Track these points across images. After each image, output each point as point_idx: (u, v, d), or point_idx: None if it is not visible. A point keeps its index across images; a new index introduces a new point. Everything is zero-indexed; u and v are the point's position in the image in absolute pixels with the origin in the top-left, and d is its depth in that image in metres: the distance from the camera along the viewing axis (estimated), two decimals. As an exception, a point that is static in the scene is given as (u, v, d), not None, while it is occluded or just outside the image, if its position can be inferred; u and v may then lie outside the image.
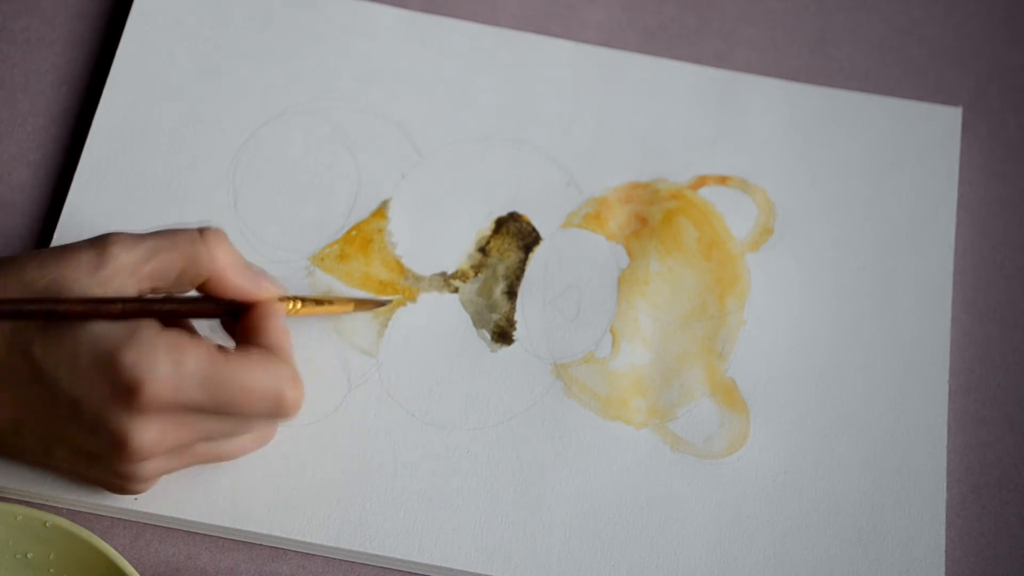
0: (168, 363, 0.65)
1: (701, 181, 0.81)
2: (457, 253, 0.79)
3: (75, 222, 0.77)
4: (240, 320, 0.69)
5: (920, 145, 0.82)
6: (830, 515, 0.74)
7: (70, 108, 0.81)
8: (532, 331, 0.77)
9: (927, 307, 0.79)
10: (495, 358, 0.76)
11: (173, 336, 0.66)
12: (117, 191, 0.78)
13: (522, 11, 0.85)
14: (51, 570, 0.69)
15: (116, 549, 0.71)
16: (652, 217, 0.80)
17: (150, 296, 0.68)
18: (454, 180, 0.81)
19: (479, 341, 0.77)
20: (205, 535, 0.73)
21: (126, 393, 0.65)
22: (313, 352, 0.76)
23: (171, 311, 0.67)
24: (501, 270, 0.79)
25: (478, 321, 0.77)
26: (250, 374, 0.67)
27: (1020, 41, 0.86)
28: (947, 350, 0.78)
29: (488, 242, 0.79)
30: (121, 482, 0.69)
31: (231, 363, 0.66)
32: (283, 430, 0.74)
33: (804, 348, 0.78)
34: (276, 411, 0.68)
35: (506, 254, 0.79)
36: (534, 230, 0.80)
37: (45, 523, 0.68)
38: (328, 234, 0.79)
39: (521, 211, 0.80)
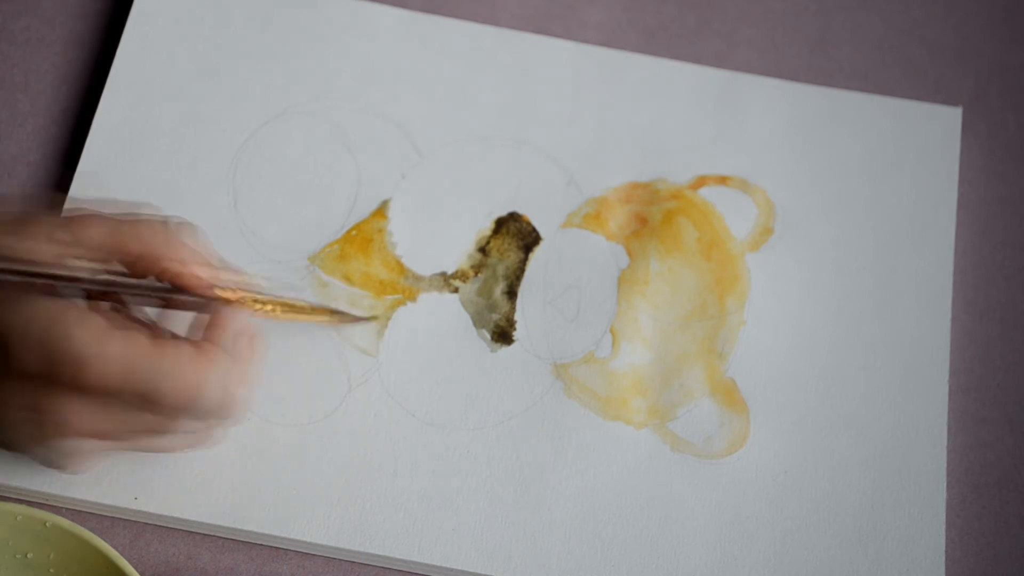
0: (94, 344, 0.65)
1: (701, 181, 0.81)
2: (457, 253, 0.79)
3: (75, 222, 0.77)
4: (200, 314, 0.70)
5: (920, 145, 0.82)
6: (830, 515, 0.74)
7: (70, 108, 0.81)
8: (532, 331, 0.77)
9: (927, 307, 0.79)
10: (495, 358, 0.76)
11: (106, 318, 0.66)
12: (117, 191, 0.78)
13: (522, 11, 0.85)
14: (51, 570, 0.69)
15: (116, 549, 0.71)
16: (652, 217, 0.80)
17: (107, 277, 0.68)
18: (454, 180, 0.81)
19: (479, 341, 0.77)
20: (205, 535, 0.73)
21: (51, 367, 0.65)
22: (313, 352, 0.76)
23: (119, 290, 0.67)
24: (501, 270, 0.79)
25: (478, 321, 0.77)
26: (175, 365, 0.66)
27: (1020, 41, 0.86)
28: (947, 350, 0.78)
29: (488, 242, 0.79)
30: (52, 456, 0.69)
31: (159, 351, 0.66)
32: (283, 430, 0.74)
33: (804, 348, 0.78)
34: (193, 408, 0.67)
35: (506, 254, 0.79)
36: (534, 230, 0.80)
37: (45, 523, 0.68)
38: (328, 234, 0.79)
39: (521, 211, 0.80)
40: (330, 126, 0.81)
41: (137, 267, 0.68)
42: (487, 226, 0.80)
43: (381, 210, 0.80)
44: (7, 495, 0.72)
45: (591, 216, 0.80)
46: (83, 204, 0.68)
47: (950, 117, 0.83)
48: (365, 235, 0.79)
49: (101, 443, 0.68)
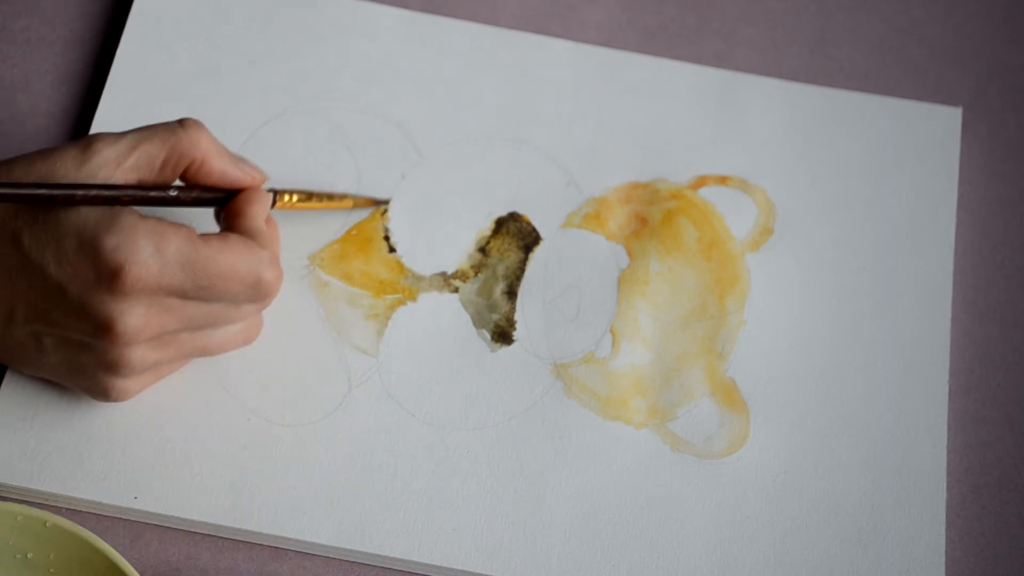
0: (149, 247, 0.67)
1: (701, 181, 0.81)
2: (457, 253, 0.79)
3: (75, 222, 0.77)
4: (225, 207, 0.72)
5: (920, 145, 0.82)
6: (830, 515, 0.74)
7: (70, 108, 0.81)
8: (532, 331, 0.77)
9: (927, 307, 0.79)
10: (495, 358, 0.76)
11: (152, 222, 0.67)
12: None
13: (522, 11, 0.85)
14: (51, 570, 0.69)
15: (116, 549, 0.71)
16: (652, 217, 0.80)
17: (131, 184, 0.69)
18: (454, 180, 0.81)
19: (479, 341, 0.77)
20: (205, 535, 0.73)
21: (109, 277, 0.66)
22: (313, 352, 0.76)
23: (156, 199, 0.69)
24: (501, 270, 0.79)
25: (478, 321, 0.77)
26: (227, 257, 0.68)
27: (1020, 41, 0.86)
28: (947, 350, 0.78)
29: (488, 242, 0.79)
30: (110, 375, 0.70)
31: (210, 247, 0.68)
32: (283, 430, 0.74)
33: (804, 348, 0.78)
34: (255, 293, 0.70)
35: (506, 254, 0.79)
36: (534, 230, 0.80)
37: (45, 523, 0.68)
38: (328, 234, 0.79)
39: (521, 211, 0.80)
40: (330, 126, 0.81)
41: (163, 172, 0.70)
42: (487, 226, 0.80)
43: (381, 210, 0.80)
44: (7, 495, 0.72)
45: (591, 216, 0.80)
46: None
47: (950, 117, 0.83)
48: (365, 235, 0.79)
49: (158, 350, 0.70)
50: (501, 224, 0.80)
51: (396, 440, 0.74)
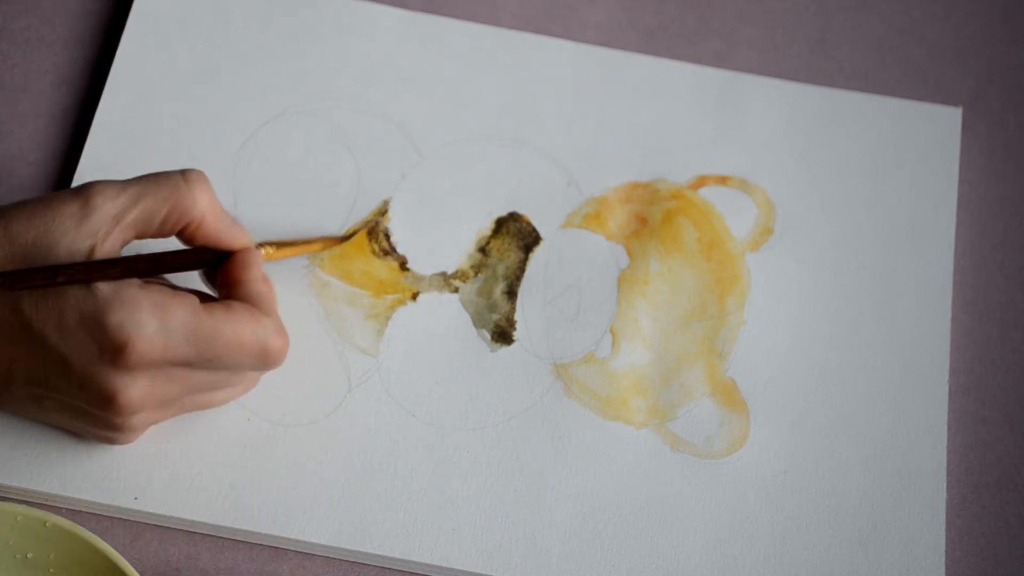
0: (153, 321, 0.66)
1: (701, 181, 0.81)
2: (457, 253, 0.79)
3: (75, 222, 0.77)
4: (220, 271, 0.71)
5: (920, 145, 0.82)
6: (830, 515, 0.74)
7: (70, 108, 0.81)
8: (532, 331, 0.77)
9: (927, 307, 0.79)
10: (495, 358, 0.76)
11: (155, 294, 0.67)
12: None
13: (522, 11, 0.85)
14: (51, 570, 0.69)
15: (116, 549, 0.71)
16: (652, 217, 0.80)
17: (133, 255, 0.68)
18: (454, 180, 0.81)
19: (479, 341, 0.77)
20: (205, 535, 0.73)
21: (113, 352, 0.66)
22: (313, 352, 0.76)
23: (155, 267, 0.69)
24: (501, 270, 0.79)
25: (478, 321, 0.77)
26: (234, 328, 0.68)
27: (1020, 41, 0.86)
28: (947, 350, 0.78)
29: (488, 242, 0.79)
30: (110, 434, 0.70)
31: (215, 317, 0.68)
32: (283, 430, 0.74)
33: (804, 348, 0.78)
34: (262, 363, 0.70)
35: (506, 254, 0.79)
36: (534, 230, 0.80)
37: (45, 523, 0.68)
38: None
39: (521, 211, 0.80)
40: (330, 126, 0.81)
41: (162, 228, 0.70)
42: (487, 226, 0.80)
43: (381, 210, 0.80)
44: (7, 495, 0.72)
45: (591, 216, 0.80)
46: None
47: (950, 117, 0.83)
48: (365, 235, 0.79)
49: (160, 411, 0.70)
50: (501, 224, 0.80)
51: (396, 440, 0.74)
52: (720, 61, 0.85)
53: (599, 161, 0.81)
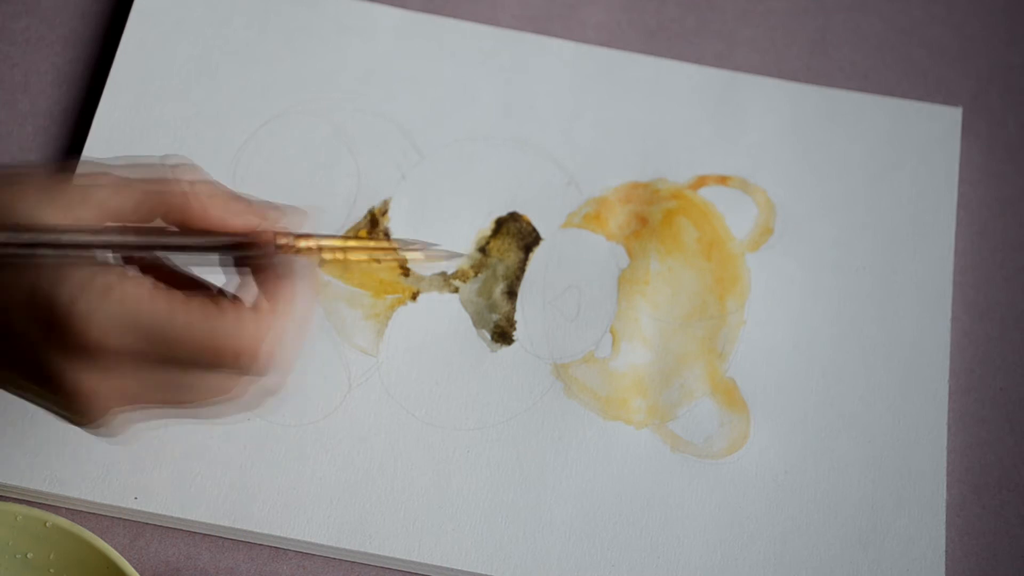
0: (104, 303, 0.60)
1: (701, 181, 0.81)
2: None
3: (75, 222, 0.77)
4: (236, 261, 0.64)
5: (920, 145, 0.82)
6: (830, 515, 0.74)
7: (70, 108, 0.81)
8: (532, 331, 0.77)
9: (927, 307, 0.79)
10: (495, 358, 0.76)
11: (111, 275, 0.61)
12: (117, 191, 0.78)
13: (522, 11, 0.85)
14: (51, 570, 0.69)
15: (116, 549, 0.71)
16: (652, 217, 0.80)
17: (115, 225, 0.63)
18: (454, 180, 0.81)
19: (479, 341, 0.77)
20: (205, 535, 0.73)
21: (59, 334, 0.61)
22: (313, 352, 0.76)
23: (162, 249, 0.62)
24: (501, 270, 0.79)
25: (478, 321, 0.77)
26: (186, 319, 0.61)
27: (1020, 41, 0.86)
28: (947, 350, 0.78)
29: (488, 242, 0.79)
30: (76, 418, 0.64)
31: (171, 305, 0.61)
32: (283, 430, 0.74)
33: (804, 348, 0.78)
34: (218, 363, 0.62)
35: (506, 254, 0.79)
36: (534, 230, 0.80)
37: (45, 523, 0.68)
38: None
39: (521, 211, 0.80)
40: (330, 126, 0.81)
41: (154, 218, 0.63)
42: (487, 226, 0.80)
43: (382, 209, 0.80)
44: (7, 495, 0.72)
45: (591, 216, 0.80)
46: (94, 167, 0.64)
47: (950, 117, 0.83)
48: (365, 234, 0.79)
49: (124, 403, 0.63)
50: (501, 224, 0.80)
51: (396, 440, 0.74)
52: (720, 61, 0.85)
53: (599, 161, 0.81)
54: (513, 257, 0.79)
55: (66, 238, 0.61)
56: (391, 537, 0.72)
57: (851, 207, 0.81)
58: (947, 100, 0.84)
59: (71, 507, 0.72)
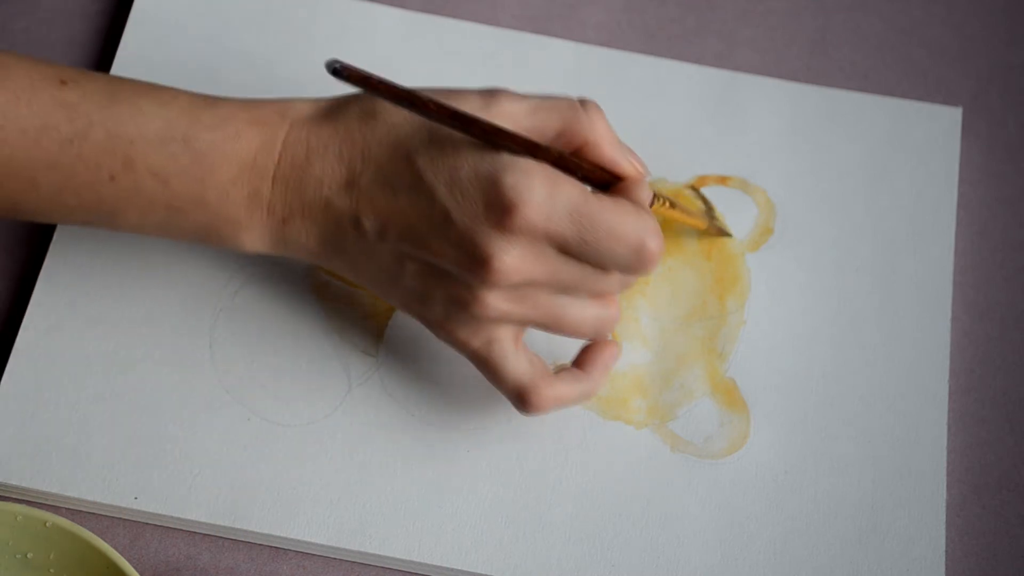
0: (544, 191, 0.66)
1: (701, 181, 0.81)
2: (457, 253, 0.79)
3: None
4: (610, 191, 0.71)
5: (920, 145, 0.82)
6: (830, 515, 0.74)
7: (70, 108, 0.81)
8: (532, 331, 0.77)
9: (927, 307, 0.79)
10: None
11: (548, 169, 0.67)
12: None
13: (522, 11, 0.85)
14: (51, 570, 0.69)
15: (116, 549, 0.71)
16: (652, 217, 0.80)
17: (544, 143, 0.69)
18: (454, 180, 0.81)
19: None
20: (205, 535, 0.73)
21: (500, 212, 0.66)
22: (313, 352, 0.76)
23: (555, 161, 0.68)
24: (501, 270, 0.79)
25: (478, 321, 0.77)
26: (618, 217, 0.68)
27: (1020, 41, 0.86)
28: (947, 350, 0.78)
29: (488, 242, 0.79)
30: (457, 313, 0.69)
31: (603, 203, 0.68)
32: (283, 430, 0.74)
33: (804, 348, 0.78)
34: (636, 259, 0.69)
35: (506, 254, 0.79)
36: (534, 230, 0.80)
37: (45, 523, 0.68)
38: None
39: (521, 211, 0.80)
40: (330, 126, 0.81)
41: (554, 143, 0.70)
42: (487, 226, 0.80)
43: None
44: (7, 495, 0.72)
45: (591, 216, 0.80)
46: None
47: (950, 117, 0.83)
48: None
49: (515, 301, 0.69)
50: (501, 224, 0.80)
51: (396, 440, 0.74)
52: (720, 61, 0.85)
53: (599, 161, 0.81)
54: (513, 257, 0.79)
55: (508, 139, 0.67)
56: (391, 537, 0.72)
57: (851, 207, 0.81)
58: (947, 100, 0.84)
59: (71, 507, 0.73)
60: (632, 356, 0.77)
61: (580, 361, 0.73)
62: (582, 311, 0.71)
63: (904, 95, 0.84)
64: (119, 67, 0.81)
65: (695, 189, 0.80)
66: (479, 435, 0.75)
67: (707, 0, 0.86)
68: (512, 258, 0.67)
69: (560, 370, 0.73)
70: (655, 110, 0.83)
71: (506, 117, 0.69)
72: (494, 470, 0.74)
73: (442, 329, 0.71)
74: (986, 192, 0.82)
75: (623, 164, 0.71)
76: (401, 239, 0.69)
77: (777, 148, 0.82)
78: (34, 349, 0.75)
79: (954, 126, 0.83)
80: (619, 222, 0.68)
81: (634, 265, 0.69)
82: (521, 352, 0.71)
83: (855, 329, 0.78)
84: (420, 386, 0.76)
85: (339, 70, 0.63)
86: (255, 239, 0.71)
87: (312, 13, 0.84)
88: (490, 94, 0.69)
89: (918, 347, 0.78)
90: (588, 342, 0.74)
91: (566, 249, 0.68)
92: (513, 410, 0.75)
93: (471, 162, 0.67)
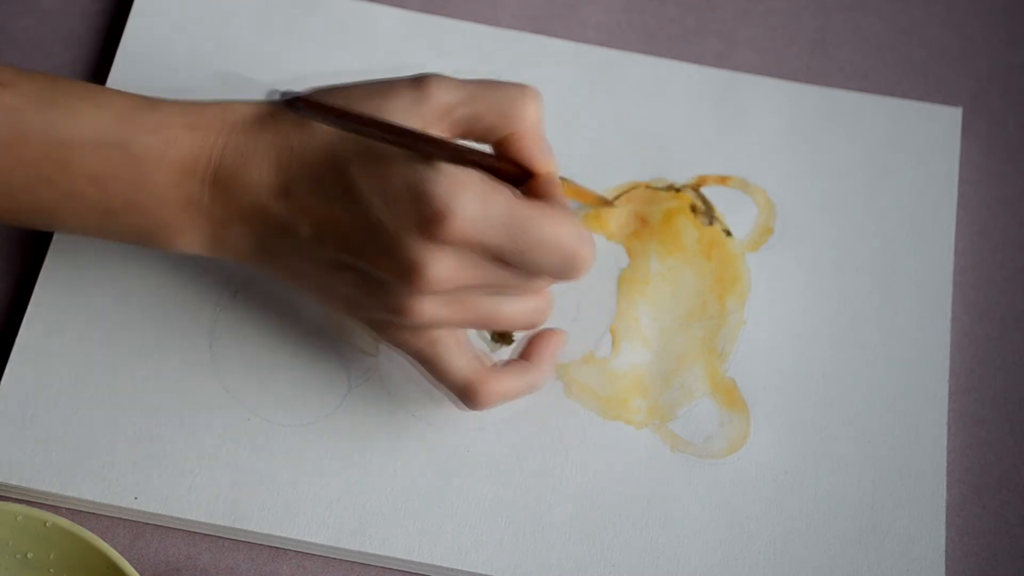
0: (476, 202, 0.66)
1: (701, 181, 0.81)
2: (457, 253, 0.79)
3: (75, 222, 0.77)
4: (524, 187, 0.70)
5: (920, 145, 0.82)
6: (830, 515, 0.74)
7: (70, 108, 0.81)
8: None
9: (927, 307, 0.79)
10: (495, 358, 0.76)
11: (478, 176, 0.67)
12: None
13: (522, 11, 0.85)
14: (51, 570, 0.69)
15: (116, 549, 0.71)
16: (652, 217, 0.80)
17: (464, 144, 0.69)
18: (454, 180, 0.81)
19: (479, 341, 0.77)
20: (205, 535, 0.73)
21: (430, 222, 0.66)
22: (313, 352, 0.76)
23: (475, 163, 0.68)
24: (501, 270, 0.79)
25: (478, 321, 0.77)
26: (551, 226, 0.67)
27: (1020, 41, 0.86)
28: (947, 350, 0.78)
29: (488, 242, 0.79)
30: (394, 318, 0.69)
31: (534, 211, 0.67)
32: (283, 430, 0.74)
33: (804, 348, 0.78)
34: (567, 266, 0.68)
35: (506, 254, 0.79)
36: (534, 230, 0.80)
37: (45, 523, 0.68)
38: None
39: (521, 211, 0.80)
40: (330, 126, 0.81)
41: (484, 134, 0.70)
42: (487, 226, 0.80)
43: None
44: (7, 495, 0.72)
45: (591, 216, 0.80)
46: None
47: (950, 117, 0.83)
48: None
49: (450, 307, 0.69)
50: (501, 224, 0.80)
51: (396, 440, 0.74)
52: (720, 61, 0.85)
53: (599, 161, 0.81)
54: (513, 257, 0.79)
55: (438, 149, 0.67)
56: (391, 537, 0.72)
57: (851, 207, 0.81)
58: (947, 100, 0.84)
59: (71, 507, 0.72)
60: (632, 356, 0.77)
61: (526, 352, 0.73)
62: (516, 307, 0.71)
63: (904, 95, 0.84)
64: (119, 67, 0.81)
65: (695, 189, 0.80)
66: (479, 435, 0.75)
67: (707, 0, 0.86)
68: (442, 267, 0.67)
69: (506, 363, 0.72)
70: (655, 110, 0.83)
71: (438, 108, 0.68)
72: (494, 470, 0.74)
73: (383, 333, 0.71)
74: (986, 192, 0.82)
75: (540, 159, 0.70)
76: (337, 248, 0.68)
77: (777, 148, 0.82)
78: (34, 349, 0.75)
79: (954, 126, 0.83)
80: (552, 232, 0.67)
81: (566, 273, 0.69)
82: (464, 349, 0.71)
83: (855, 329, 0.78)
84: (420, 386, 0.76)
85: (291, 101, 0.63)
86: (191, 242, 0.70)
87: (312, 13, 0.84)
88: (420, 83, 0.69)
89: (918, 347, 0.78)
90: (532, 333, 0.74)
91: (499, 258, 0.67)
92: (513, 410, 0.75)
93: (401, 172, 0.66)
